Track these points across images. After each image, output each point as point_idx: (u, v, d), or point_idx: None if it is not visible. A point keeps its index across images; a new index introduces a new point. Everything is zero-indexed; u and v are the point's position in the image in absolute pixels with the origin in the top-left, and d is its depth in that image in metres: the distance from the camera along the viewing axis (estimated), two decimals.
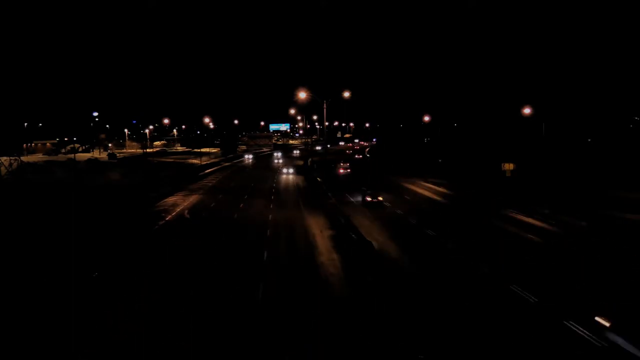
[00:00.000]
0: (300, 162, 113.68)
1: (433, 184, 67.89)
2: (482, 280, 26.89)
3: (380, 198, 50.92)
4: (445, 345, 19.10)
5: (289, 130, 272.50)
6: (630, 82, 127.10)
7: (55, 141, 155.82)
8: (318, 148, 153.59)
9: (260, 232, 39.28)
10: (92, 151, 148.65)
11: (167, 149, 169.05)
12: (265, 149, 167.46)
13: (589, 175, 67.34)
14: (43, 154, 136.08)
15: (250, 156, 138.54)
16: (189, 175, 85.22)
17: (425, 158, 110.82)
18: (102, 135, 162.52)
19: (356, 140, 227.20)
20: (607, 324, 19.34)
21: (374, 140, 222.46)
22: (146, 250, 33.94)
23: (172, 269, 29.15)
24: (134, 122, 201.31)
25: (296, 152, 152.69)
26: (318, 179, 71.47)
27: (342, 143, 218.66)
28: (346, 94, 75.78)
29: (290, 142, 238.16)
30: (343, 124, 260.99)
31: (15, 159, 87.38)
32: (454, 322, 21.13)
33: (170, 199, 57.51)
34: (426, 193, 61.11)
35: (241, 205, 52.16)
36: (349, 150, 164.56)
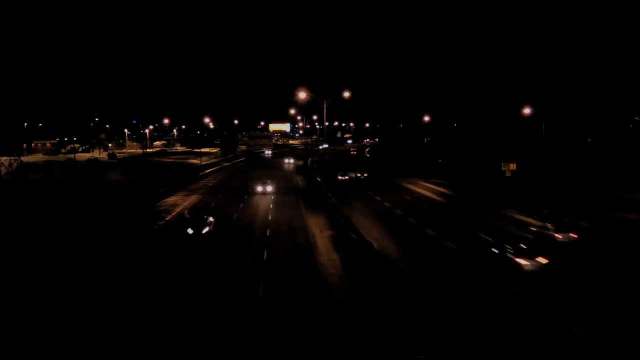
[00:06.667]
0: (300, 162, 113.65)
1: (433, 184, 67.85)
2: (481, 280, 26.90)
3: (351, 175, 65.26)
4: (444, 345, 19.10)
5: (289, 131, 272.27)
6: (630, 82, 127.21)
7: (55, 141, 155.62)
8: (318, 148, 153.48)
9: (260, 232, 39.30)
10: (92, 151, 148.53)
11: (167, 149, 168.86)
12: (265, 149, 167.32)
13: (589, 175, 67.31)
14: (43, 154, 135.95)
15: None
16: (189, 175, 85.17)
17: (425, 158, 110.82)
18: (102, 135, 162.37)
19: (349, 142, 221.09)
20: None
21: (362, 140, 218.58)
22: (146, 251, 33.93)
23: (172, 270, 29.14)
24: (134, 122, 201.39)
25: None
26: (318, 179, 71.42)
27: (349, 141, 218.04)
28: (346, 94, 75.68)
29: (290, 142, 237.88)
30: (343, 124, 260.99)
31: (15, 159, 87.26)
32: (453, 323, 21.12)
33: (170, 199, 57.50)
34: (426, 193, 61.07)
35: (241, 205, 52.14)
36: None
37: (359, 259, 30.21)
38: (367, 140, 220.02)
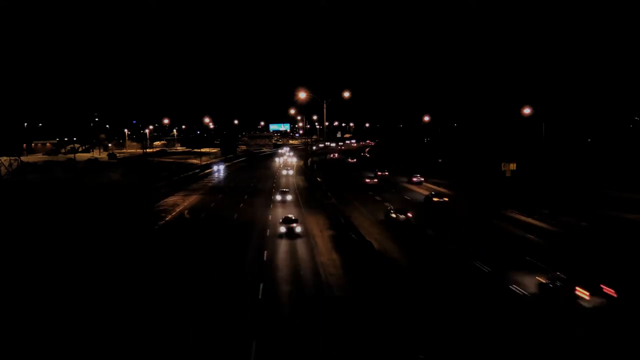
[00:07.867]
0: (300, 162, 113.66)
1: (433, 184, 67.82)
2: (482, 281, 26.91)
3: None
4: (444, 346, 19.10)
5: (289, 130, 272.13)
6: (630, 83, 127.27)
7: (55, 141, 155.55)
8: (316, 148, 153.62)
9: (260, 232, 39.28)
10: (92, 151, 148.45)
11: (167, 149, 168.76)
12: (264, 149, 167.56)
13: (588, 175, 67.35)
14: (43, 154, 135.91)
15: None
16: (189, 175, 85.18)
17: (425, 158, 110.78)
18: (102, 135, 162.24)
19: (348, 142, 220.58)
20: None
21: (355, 141, 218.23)
22: (146, 253, 33.92)
23: (173, 271, 29.14)
24: (134, 122, 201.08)
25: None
26: (318, 179, 71.45)
27: (349, 142, 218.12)
28: (346, 94, 75.62)
29: (290, 142, 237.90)
30: (343, 124, 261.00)
31: (15, 159, 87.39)
32: (452, 326, 21.10)
33: (170, 199, 57.50)
34: (426, 193, 60.99)
35: (241, 205, 52.14)
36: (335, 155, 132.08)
37: (359, 258, 30.20)
38: (354, 142, 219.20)
